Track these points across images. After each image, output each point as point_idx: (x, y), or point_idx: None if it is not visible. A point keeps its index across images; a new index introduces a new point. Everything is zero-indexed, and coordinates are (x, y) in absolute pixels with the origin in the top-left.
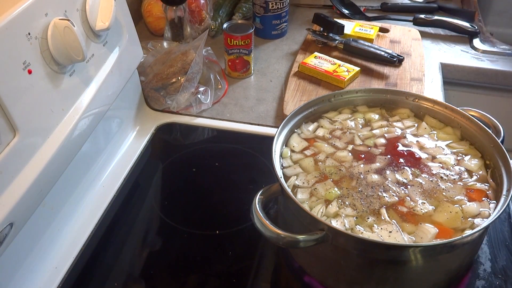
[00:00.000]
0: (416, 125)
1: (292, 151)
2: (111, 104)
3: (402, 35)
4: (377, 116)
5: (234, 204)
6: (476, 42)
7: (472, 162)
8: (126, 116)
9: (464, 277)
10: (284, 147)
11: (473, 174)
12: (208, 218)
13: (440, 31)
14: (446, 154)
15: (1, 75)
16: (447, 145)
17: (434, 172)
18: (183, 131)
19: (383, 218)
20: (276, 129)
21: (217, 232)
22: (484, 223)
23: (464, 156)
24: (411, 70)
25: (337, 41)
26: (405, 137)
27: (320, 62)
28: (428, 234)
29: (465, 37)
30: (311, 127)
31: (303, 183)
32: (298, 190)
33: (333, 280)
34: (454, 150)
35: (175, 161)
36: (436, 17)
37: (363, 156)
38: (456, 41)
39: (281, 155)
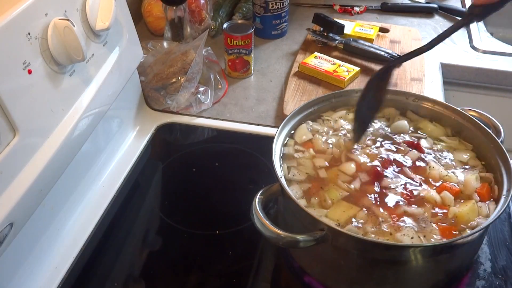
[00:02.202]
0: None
1: (296, 143)
2: (111, 104)
3: (402, 35)
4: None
5: (234, 204)
6: (476, 42)
7: (465, 155)
8: (126, 116)
9: (464, 277)
10: (288, 138)
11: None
12: (208, 218)
13: (440, 31)
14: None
15: (1, 75)
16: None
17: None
18: (183, 131)
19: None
20: (276, 129)
21: (217, 232)
22: (484, 223)
23: (455, 150)
24: (411, 70)
25: (337, 41)
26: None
27: (320, 62)
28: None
29: (465, 36)
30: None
31: (299, 174)
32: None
33: (333, 280)
34: (444, 144)
35: (175, 161)
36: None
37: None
38: (456, 41)
39: (285, 144)
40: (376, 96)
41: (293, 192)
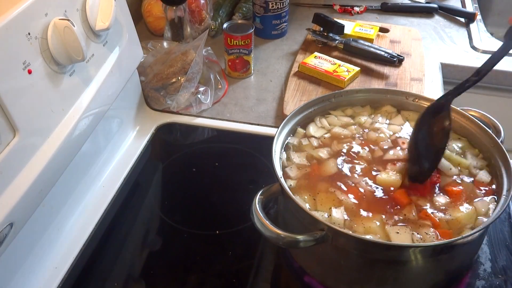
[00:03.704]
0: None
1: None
2: (111, 104)
3: (402, 35)
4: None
5: (234, 204)
6: (476, 42)
7: (459, 144)
8: (126, 116)
9: (464, 277)
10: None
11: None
12: (208, 218)
13: (440, 31)
14: None
15: (1, 75)
16: None
17: None
18: (183, 131)
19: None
20: (276, 129)
21: (217, 232)
22: (484, 223)
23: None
24: (411, 70)
25: (337, 41)
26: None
27: (320, 62)
28: None
29: (465, 36)
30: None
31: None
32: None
33: (333, 280)
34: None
35: (175, 161)
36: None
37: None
38: (456, 41)
39: (293, 134)
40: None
41: (291, 171)
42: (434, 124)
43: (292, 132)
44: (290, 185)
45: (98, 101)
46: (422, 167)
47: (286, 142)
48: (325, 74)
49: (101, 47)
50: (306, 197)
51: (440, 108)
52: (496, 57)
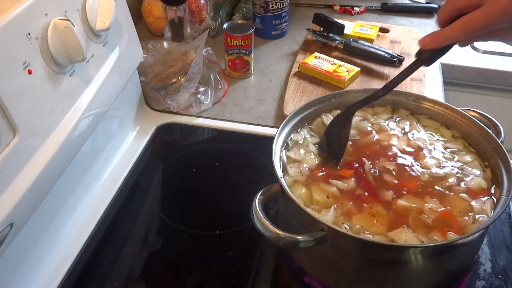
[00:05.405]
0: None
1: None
2: (111, 104)
3: (402, 35)
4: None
5: (234, 204)
6: (476, 42)
7: (467, 157)
8: (126, 116)
9: (464, 278)
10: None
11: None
12: (208, 218)
13: None
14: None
15: (1, 75)
16: (441, 144)
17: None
18: (183, 131)
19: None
20: (276, 129)
21: (217, 232)
22: (484, 223)
23: (459, 153)
24: None
25: (337, 41)
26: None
27: (320, 62)
28: None
29: None
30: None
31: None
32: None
33: (333, 281)
34: (449, 150)
35: (175, 161)
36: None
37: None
38: None
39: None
40: (340, 135)
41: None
42: (341, 129)
43: (296, 129)
44: (288, 181)
45: (98, 101)
46: (331, 153)
47: (289, 139)
48: (325, 74)
49: (101, 47)
50: (302, 191)
51: (346, 117)
52: (404, 74)
